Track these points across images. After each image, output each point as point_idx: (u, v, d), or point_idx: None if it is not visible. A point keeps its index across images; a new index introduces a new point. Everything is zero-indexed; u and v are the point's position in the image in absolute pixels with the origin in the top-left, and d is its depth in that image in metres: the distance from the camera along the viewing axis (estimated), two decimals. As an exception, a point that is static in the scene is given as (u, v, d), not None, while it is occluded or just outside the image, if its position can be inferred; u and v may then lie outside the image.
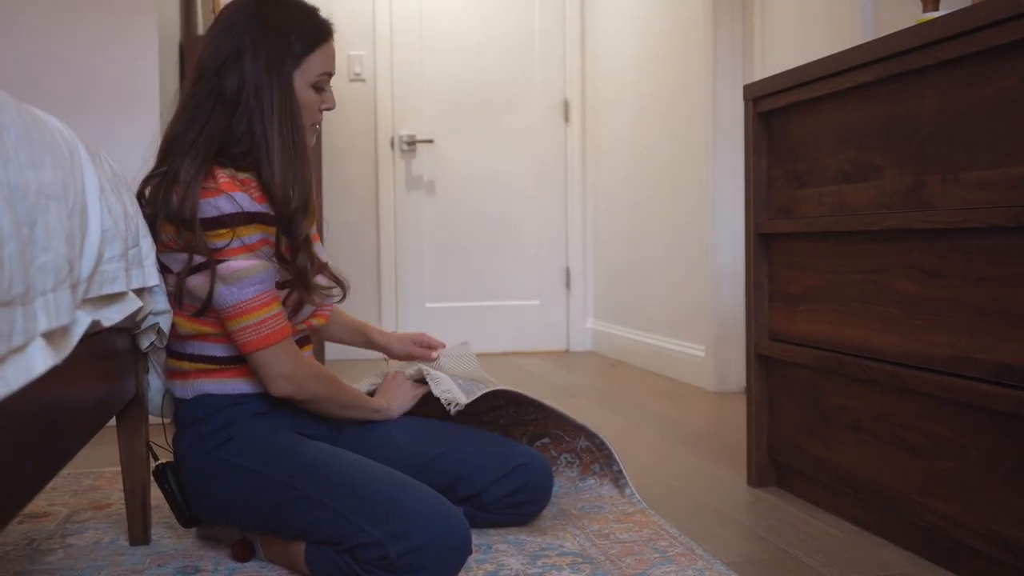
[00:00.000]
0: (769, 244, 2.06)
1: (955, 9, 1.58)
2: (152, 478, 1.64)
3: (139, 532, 1.69)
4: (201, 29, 3.86)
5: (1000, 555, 1.41)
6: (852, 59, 1.70)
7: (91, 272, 1.09)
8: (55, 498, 2.02)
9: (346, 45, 4.45)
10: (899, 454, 1.64)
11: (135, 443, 1.68)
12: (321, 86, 1.61)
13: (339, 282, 1.68)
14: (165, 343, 1.62)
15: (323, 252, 1.67)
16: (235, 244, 1.46)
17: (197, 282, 1.48)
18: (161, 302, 1.56)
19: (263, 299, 1.49)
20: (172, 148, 1.54)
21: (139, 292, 1.39)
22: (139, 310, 1.38)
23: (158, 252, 1.49)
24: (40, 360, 0.82)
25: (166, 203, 1.48)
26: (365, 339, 1.96)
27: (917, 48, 1.54)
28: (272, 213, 1.50)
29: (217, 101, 1.53)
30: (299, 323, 1.64)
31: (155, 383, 1.73)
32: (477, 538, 1.55)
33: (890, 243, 1.64)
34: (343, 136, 4.47)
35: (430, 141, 4.62)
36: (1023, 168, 1.34)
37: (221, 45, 1.54)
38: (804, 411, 1.94)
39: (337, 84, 4.75)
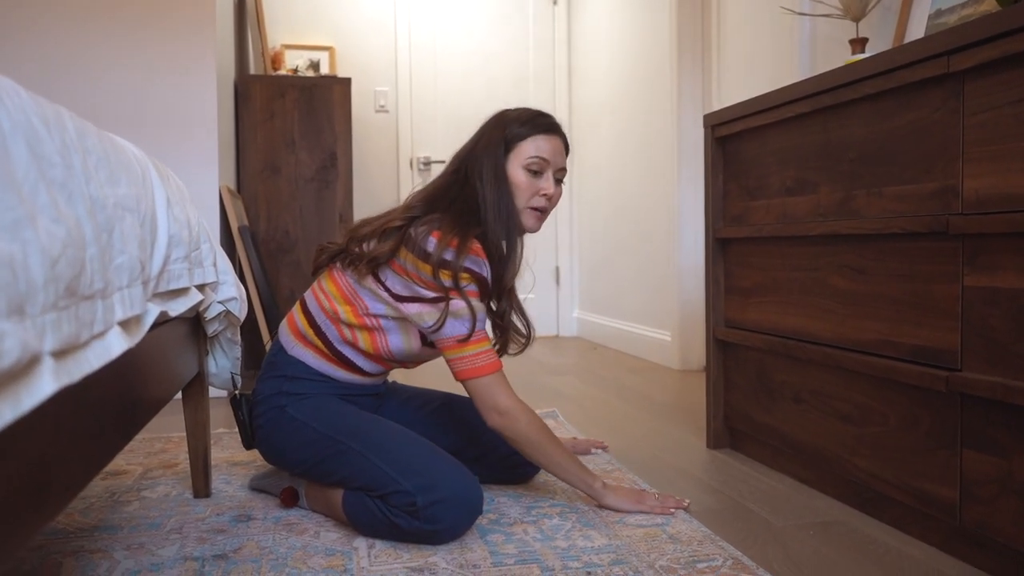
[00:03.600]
0: (725, 247, 2.05)
1: (877, 52, 1.58)
2: (229, 403, 1.65)
3: (202, 487, 1.69)
4: (252, 70, 3.86)
5: (914, 503, 1.41)
6: (792, 93, 1.70)
7: (159, 271, 1.09)
8: (132, 459, 2.02)
9: (372, 82, 4.43)
10: (832, 421, 1.64)
11: (197, 413, 1.68)
12: (534, 169, 1.56)
13: (527, 326, 1.67)
14: (239, 323, 1.64)
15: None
16: (474, 288, 1.46)
17: (414, 310, 1.47)
18: (228, 291, 1.56)
19: (477, 336, 1.47)
20: (418, 205, 1.55)
21: (200, 288, 1.39)
22: (200, 302, 1.38)
23: (391, 271, 1.49)
24: (117, 344, 0.82)
25: (421, 241, 1.46)
26: None
27: (846, 84, 1.53)
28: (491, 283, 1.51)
29: (463, 183, 1.57)
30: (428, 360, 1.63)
31: (222, 361, 1.72)
32: (483, 492, 1.55)
33: (825, 246, 1.64)
34: (371, 158, 4.46)
35: (442, 162, 4.56)
36: (933, 184, 1.34)
37: (473, 140, 1.62)
38: (753, 385, 1.94)
39: (365, 115, 4.74)
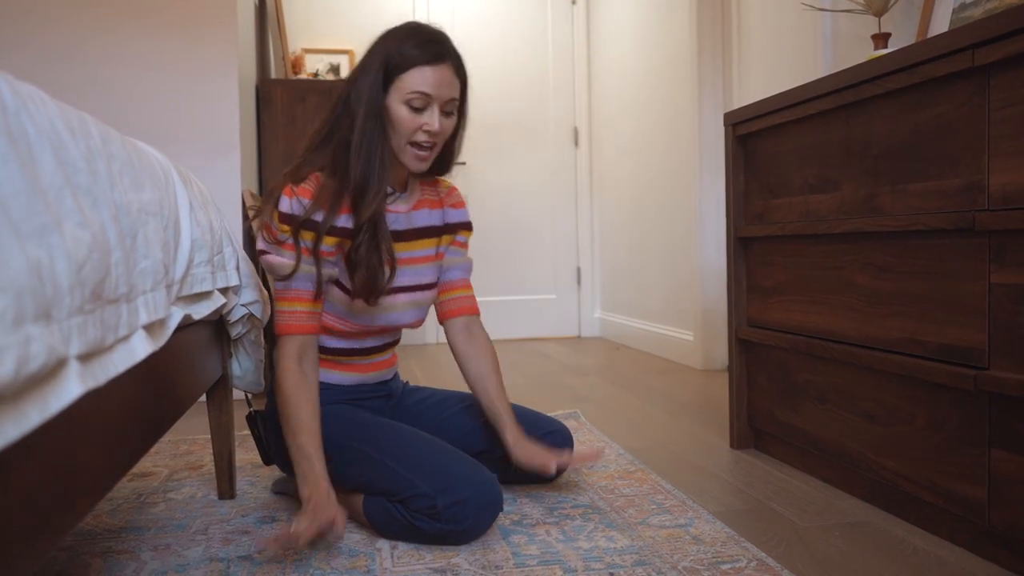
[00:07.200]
0: (747, 246, 2.04)
1: (900, 47, 1.56)
2: (245, 421, 1.67)
3: (226, 488, 1.71)
4: (273, 74, 3.89)
5: (942, 504, 1.39)
6: (814, 90, 1.68)
7: (183, 275, 1.10)
8: (158, 461, 2.05)
9: (393, 85, 4.46)
10: (858, 420, 1.62)
11: (222, 415, 1.69)
12: (415, 105, 1.44)
13: (392, 258, 1.50)
14: (263, 326, 1.64)
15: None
16: (289, 240, 1.45)
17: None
18: (250, 294, 1.57)
19: (287, 295, 1.47)
20: (303, 153, 1.52)
21: (224, 291, 1.41)
22: (224, 305, 1.40)
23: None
24: (141, 348, 0.83)
25: (276, 198, 1.47)
26: (497, 424, 1.61)
27: (868, 80, 1.52)
28: (320, 222, 1.44)
29: (343, 115, 1.47)
30: (386, 324, 1.59)
31: (245, 363, 1.74)
32: (504, 493, 1.55)
33: (848, 244, 1.62)
34: (391, 160, 4.48)
35: (463, 163, 4.60)
36: (958, 180, 1.32)
37: (358, 66, 1.48)
38: (777, 385, 1.92)
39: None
